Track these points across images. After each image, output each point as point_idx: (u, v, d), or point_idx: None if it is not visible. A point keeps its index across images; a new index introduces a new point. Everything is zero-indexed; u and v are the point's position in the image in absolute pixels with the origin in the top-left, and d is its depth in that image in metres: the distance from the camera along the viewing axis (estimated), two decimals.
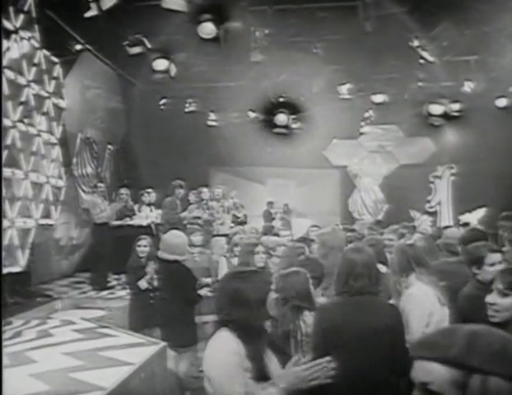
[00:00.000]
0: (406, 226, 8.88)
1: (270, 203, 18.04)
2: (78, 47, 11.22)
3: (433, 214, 18.66)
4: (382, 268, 5.12)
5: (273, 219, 17.53)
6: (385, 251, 6.18)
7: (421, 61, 11.58)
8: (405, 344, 3.53)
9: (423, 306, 4.02)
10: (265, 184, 19.50)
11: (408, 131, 18.05)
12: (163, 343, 6.12)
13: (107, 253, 10.39)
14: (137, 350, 6.01)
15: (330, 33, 11.68)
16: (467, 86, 14.11)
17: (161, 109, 15.19)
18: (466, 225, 13.24)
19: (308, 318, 3.87)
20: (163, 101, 15.21)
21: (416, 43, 11.22)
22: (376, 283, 3.71)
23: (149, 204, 11.66)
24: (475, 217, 16.19)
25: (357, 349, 3.43)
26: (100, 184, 11.63)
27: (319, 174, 19.08)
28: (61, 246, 11.47)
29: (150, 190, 11.90)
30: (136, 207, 11.61)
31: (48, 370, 5.30)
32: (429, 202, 18.90)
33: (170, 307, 6.07)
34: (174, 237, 6.35)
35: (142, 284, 7.03)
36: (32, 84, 9.88)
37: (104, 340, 6.52)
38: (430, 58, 11.37)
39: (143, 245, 7.42)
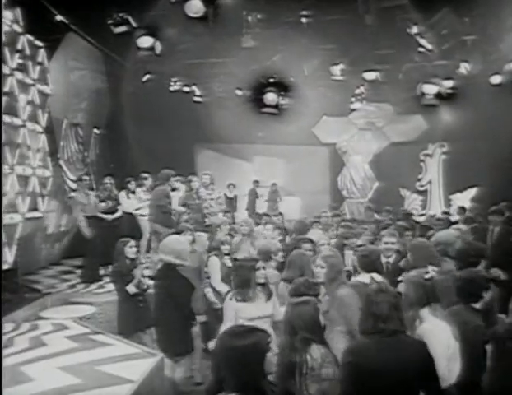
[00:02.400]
0: (405, 228, 8.89)
1: (256, 182, 18.16)
2: (62, 27, 10.96)
3: (423, 193, 18.98)
4: (378, 277, 5.30)
5: (257, 198, 17.80)
6: (383, 256, 6.17)
7: (420, 49, 11.40)
8: (438, 379, 3.63)
9: (442, 342, 4.02)
10: (252, 162, 19.58)
11: (400, 109, 18.04)
12: (160, 354, 6.09)
13: (96, 244, 10.38)
14: (134, 364, 6.02)
15: (324, 14, 11.62)
16: (463, 68, 14.08)
17: (146, 88, 14.93)
18: (462, 209, 13.45)
19: (315, 352, 3.87)
20: (146, 77, 15.04)
21: (414, 29, 11.06)
22: (403, 321, 3.74)
23: (133, 192, 11.70)
24: (466, 197, 17.35)
25: (395, 392, 3.51)
26: (85, 177, 11.40)
27: (308, 152, 19.02)
28: (48, 234, 11.42)
29: (146, 175, 11.91)
30: (124, 193, 11.52)
31: (46, 391, 5.30)
32: (419, 180, 19.04)
33: (165, 312, 5.98)
34: (177, 243, 6.26)
35: (131, 289, 6.97)
36: (16, 72, 9.72)
37: (99, 351, 6.50)
38: (429, 46, 11.24)
39: (133, 246, 7.35)
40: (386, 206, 14.33)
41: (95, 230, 10.28)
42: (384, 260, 6.30)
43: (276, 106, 16.02)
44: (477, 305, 4.45)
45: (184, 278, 6.06)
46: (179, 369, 6.06)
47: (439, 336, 4.02)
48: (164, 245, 6.22)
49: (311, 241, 7.21)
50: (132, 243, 7.35)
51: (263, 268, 5.64)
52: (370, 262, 5.59)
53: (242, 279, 5.49)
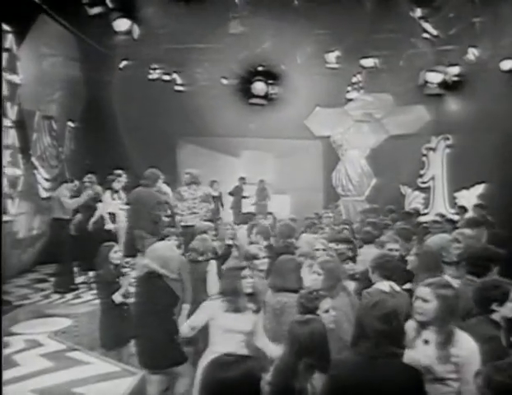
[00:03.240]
0: (412, 232, 8.83)
1: (242, 179, 18.36)
2: (33, 9, 10.96)
3: (426, 190, 18.87)
4: (396, 286, 5.45)
5: (243, 197, 17.95)
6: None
7: (424, 34, 11.46)
8: None
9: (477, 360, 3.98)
10: (239, 157, 19.73)
11: (401, 99, 17.99)
12: (140, 373, 6.20)
13: (71, 249, 10.44)
14: (113, 384, 6.13)
15: None
16: (471, 53, 14.04)
17: (124, 76, 15.06)
18: (463, 209, 13.57)
19: (317, 382, 3.82)
20: (123, 64, 15.24)
21: (417, 12, 11.07)
22: (399, 342, 3.77)
23: (116, 191, 11.71)
24: (473, 194, 16.94)
25: None
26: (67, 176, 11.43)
27: (300, 146, 19.10)
28: (19, 239, 11.35)
29: (120, 172, 11.90)
30: (109, 194, 11.57)
31: None
32: (421, 176, 18.98)
33: (147, 323, 6.04)
34: (167, 250, 6.34)
35: (117, 298, 7.03)
36: None
37: (76, 370, 6.60)
38: (434, 31, 11.30)
39: (118, 251, 7.43)
40: (387, 204, 14.40)
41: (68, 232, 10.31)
42: None
43: (265, 96, 16.18)
44: (496, 316, 4.45)
45: (169, 287, 6.13)
46: (155, 385, 6.14)
47: (476, 352, 3.99)
48: (152, 251, 6.26)
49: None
50: (117, 247, 7.44)
51: (251, 277, 5.59)
52: (392, 269, 5.70)
53: (229, 288, 5.48)
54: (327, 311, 4.67)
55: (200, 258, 7.50)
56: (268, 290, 5.93)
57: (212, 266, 7.49)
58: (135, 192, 10.19)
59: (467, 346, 3.96)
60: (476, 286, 4.67)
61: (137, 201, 9.92)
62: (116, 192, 11.71)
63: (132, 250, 9.60)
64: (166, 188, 10.73)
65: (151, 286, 6.06)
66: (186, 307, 7.00)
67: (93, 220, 11.08)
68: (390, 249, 6.98)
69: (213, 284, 7.11)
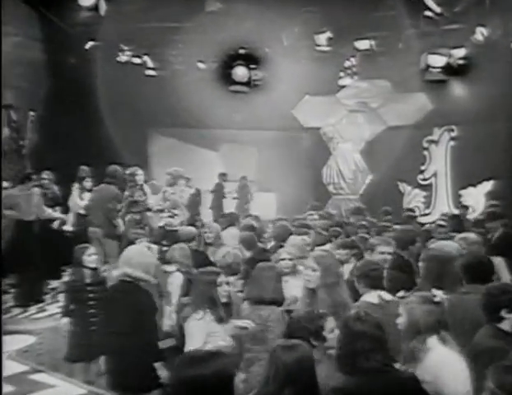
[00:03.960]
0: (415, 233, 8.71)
1: (222, 175, 18.10)
2: None
3: (427, 188, 18.87)
4: (387, 296, 5.52)
5: (224, 197, 17.88)
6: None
7: (427, 12, 11.25)
8: None
9: (456, 375, 4.12)
10: (218, 151, 19.57)
11: (400, 85, 17.96)
12: None
13: (34, 256, 10.44)
14: None
15: None
16: (479, 33, 14.03)
17: (90, 58, 15.07)
18: (465, 208, 13.22)
19: None
20: (90, 45, 15.11)
21: None
22: (390, 356, 3.87)
23: (89, 190, 11.76)
24: (481, 192, 16.98)
25: None
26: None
27: (287, 139, 19.11)
28: None
29: (85, 168, 12.04)
30: (77, 193, 11.65)
31: None
32: (422, 172, 18.93)
33: (122, 337, 5.90)
34: (142, 255, 6.38)
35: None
36: None
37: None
38: (437, 9, 11.10)
39: (93, 254, 7.42)
40: (384, 205, 14.38)
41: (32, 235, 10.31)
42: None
43: (247, 83, 16.36)
44: (505, 325, 4.54)
45: (149, 296, 6.15)
46: None
47: (453, 368, 4.11)
48: (128, 258, 6.27)
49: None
50: (92, 250, 7.46)
51: (227, 284, 5.64)
52: (379, 278, 5.69)
53: (204, 295, 5.53)
54: (332, 331, 4.57)
55: (169, 269, 7.51)
56: (244, 303, 6.01)
57: (176, 278, 7.41)
58: (95, 191, 10.52)
59: (436, 365, 4.09)
60: (483, 292, 4.75)
61: (94, 199, 10.27)
62: (87, 190, 11.85)
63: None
64: (147, 189, 11.17)
65: (127, 296, 6.04)
66: (170, 309, 7.11)
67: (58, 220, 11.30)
68: (382, 253, 6.99)
69: (174, 297, 7.16)
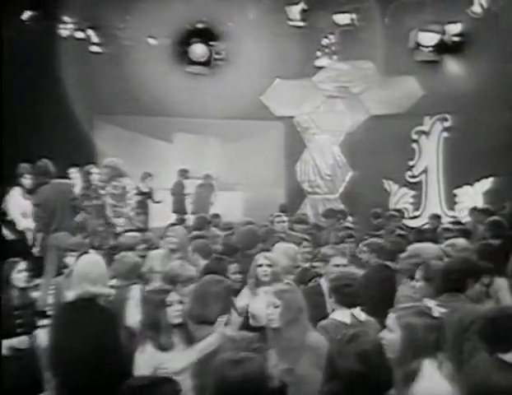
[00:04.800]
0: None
1: (183, 172, 18.00)
2: None
3: (416, 186, 18.74)
4: (361, 315, 5.72)
5: (185, 195, 17.81)
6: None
7: None
8: None
9: None
10: (173, 142, 19.48)
11: (385, 67, 17.84)
12: None
13: None
14: None
15: None
16: (478, 5, 14.18)
17: (28, 32, 14.88)
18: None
19: None
20: (28, 15, 15.04)
21: None
22: (379, 386, 3.79)
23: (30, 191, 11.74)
24: (478, 192, 17.00)
25: None
26: None
27: (255, 129, 19.10)
28: None
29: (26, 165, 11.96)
30: (18, 192, 11.72)
31: None
32: (411, 169, 18.77)
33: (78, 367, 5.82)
34: (100, 266, 6.40)
35: (22, 342, 6.82)
36: None
37: None
38: None
39: (24, 270, 7.26)
40: (367, 205, 14.87)
41: None
42: None
43: (206, 63, 16.54)
44: (508, 357, 4.36)
45: (112, 314, 6.24)
46: None
47: None
48: (85, 273, 6.24)
49: None
50: (23, 265, 7.27)
51: (181, 302, 5.59)
52: (352, 294, 5.78)
53: (149, 319, 5.53)
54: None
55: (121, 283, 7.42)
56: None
57: (134, 291, 7.30)
58: (43, 191, 10.45)
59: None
60: (481, 316, 4.71)
61: (48, 200, 10.23)
62: (29, 190, 11.76)
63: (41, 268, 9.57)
64: (75, 178, 11.50)
65: (83, 317, 6.03)
66: None
67: None
68: (337, 265, 7.06)
69: (132, 316, 6.93)
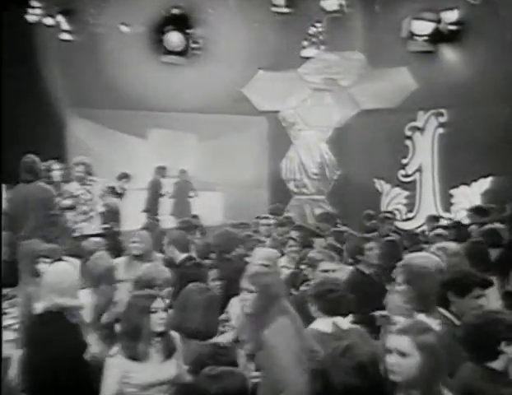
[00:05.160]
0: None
1: (161, 169, 17.80)
2: None
3: (410, 186, 18.64)
4: (344, 323, 5.70)
5: (161, 195, 17.66)
6: None
7: None
8: None
9: None
10: (148, 138, 19.35)
11: (377, 58, 17.76)
12: None
13: None
14: None
15: None
16: None
17: None
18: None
19: None
20: None
21: None
22: None
23: None
24: (476, 192, 16.91)
25: None
26: None
27: (236, 124, 19.00)
28: None
29: None
30: None
31: None
32: (404, 167, 18.63)
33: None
34: (71, 276, 6.33)
35: None
36: None
37: None
38: None
39: None
40: (356, 207, 15.21)
41: None
42: None
43: (183, 52, 16.47)
44: (496, 364, 4.42)
45: (78, 332, 6.08)
46: None
47: None
48: (55, 282, 6.17)
49: None
50: None
51: (166, 310, 5.53)
52: (335, 300, 5.78)
53: (129, 326, 5.42)
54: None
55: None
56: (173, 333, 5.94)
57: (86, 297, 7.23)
58: (16, 191, 10.41)
59: None
60: (468, 323, 4.72)
61: (24, 201, 10.09)
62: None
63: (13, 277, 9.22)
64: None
65: (50, 332, 5.95)
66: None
67: None
68: (325, 271, 7.06)
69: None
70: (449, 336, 5.02)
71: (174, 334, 5.75)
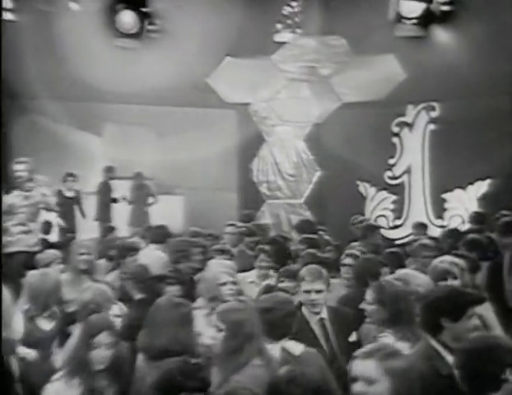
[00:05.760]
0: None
1: (109, 169, 17.84)
2: None
3: (397, 189, 18.52)
4: (297, 348, 5.76)
5: (114, 200, 17.68)
6: None
7: None
8: None
9: None
10: (101, 135, 19.05)
11: (360, 44, 17.56)
12: None
13: None
14: None
15: None
16: None
17: None
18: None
19: None
20: None
21: None
22: None
23: None
24: (472, 197, 16.84)
25: None
26: None
27: (200, 118, 18.85)
28: None
29: None
30: None
31: None
32: (391, 168, 18.52)
33: None
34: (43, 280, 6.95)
35: None
36: None
37: None
38: None
39: None
40: (336, 212, 15.80)
41: None
42: (314, 319, 6.70)
43: (137, 35, 16.23)
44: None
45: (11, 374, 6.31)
46: None
47: None
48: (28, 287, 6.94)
49: None
50: None
51: (110, 347, 5.59)
52: (287, 322, 5.82)
53: (74, 360, 5.55)
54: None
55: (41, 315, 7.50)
56: (139, 357, 5.97)
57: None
58: None
59: None
60: (466, 349, 4.64)
61: None
62: None
63: None
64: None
65: None
66: None
67: None
68: (308, 291, 6.88)
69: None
70: (432, 371, 4.87)
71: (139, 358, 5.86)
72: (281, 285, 7.68)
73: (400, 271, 7.28)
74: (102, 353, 5.46)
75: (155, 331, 5.84)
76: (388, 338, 5.63)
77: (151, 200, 17.90)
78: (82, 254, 8.88)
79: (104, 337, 5.50)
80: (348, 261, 8.98)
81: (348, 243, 11.24)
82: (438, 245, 10.60)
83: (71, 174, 15.92)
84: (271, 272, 8.98)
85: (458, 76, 15.37)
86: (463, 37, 15.33)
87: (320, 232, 12.79)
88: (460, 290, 5.85)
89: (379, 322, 6.08)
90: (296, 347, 5.68)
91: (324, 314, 6.82)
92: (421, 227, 14.16)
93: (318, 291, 6.88)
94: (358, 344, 6.30)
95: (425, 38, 15.90)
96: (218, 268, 7.88)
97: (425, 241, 10.69)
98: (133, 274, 8.34)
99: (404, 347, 5.18)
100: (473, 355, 4.47)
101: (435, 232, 14.53)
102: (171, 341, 5.69)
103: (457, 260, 7.36)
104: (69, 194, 15.87)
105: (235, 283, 7.24)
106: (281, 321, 5.75)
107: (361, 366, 4.25)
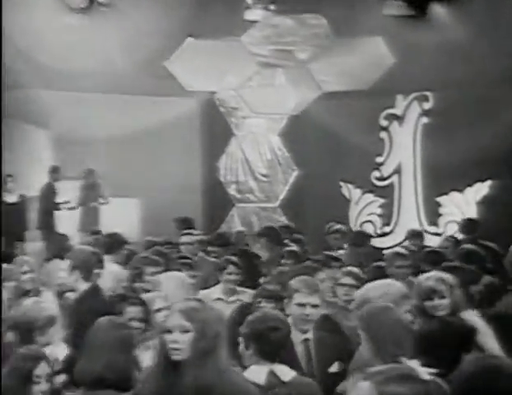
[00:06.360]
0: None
1: (54, 170, 17.24)
2: None
3: (386, 191, 18.43)
4: (286, 372, 5.62)
5: (56, 205, 17.07)
6: None
7: None
8: None
9: None
10: (47, 128, 18.34)
11: (343, 25, 17.56)
12: None
13: None
14: None
15: None
16: None
17: None
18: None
19: None
20: None
21: None
22: None
23: None
24: (471, 200, 16.95)
25: None
26: None
27: (156, 108, 18.33)
28: None
29: None
30: None
31: None
32: (378, 167, 18.39)
33: None
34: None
35: None
36: None
37: None
38: None
39: None
40: (316, 217, 15.74)
41: None
42: (298, 337, 6.65)
43: (86, 10, 16.39)
44: None
45: None
46: None
47: None
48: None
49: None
50: None
51: (50, 379, 5.58)
52: (278, 343, 5.69)
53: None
54: None
55: None
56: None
57: None
58: None
59: None
60: (464, 372, 4.09)
61: None
62: None
63: None
64: None
65: None
66: None
67: None
68: (301, 304, 6.89)
69: None
70: None
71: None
72: (259, 306, 7.43)
73: (368, 286, 6.87)
74: (41, 388, 5.26)
75: (91, 356, 5.57)
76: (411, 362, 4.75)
77: (101, 201, 17.40)
78: (25, 271, 8.82)
79: (44, 368, 5.33)
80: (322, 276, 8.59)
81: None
82: (412, 255, 10.32)
83: (8, 175, 15.74)
84: (237, 288, 9.09)
85: (454, 63, 15.54)
86: (459, 16, 15.41)
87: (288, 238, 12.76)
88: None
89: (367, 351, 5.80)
90: (287, 372, 5.45)
91: (310, 335, 6.76)
92: (417, 236, 13.67)
93: (315, 306, 6.84)
94: (341, 375, 6.20)
95: (417, 17, 15.88)
96: (168, 284, 7.73)
97: (399, 249, 10.71)
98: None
99: (425, 371, 4.23)
100: (472, 380, 4.01)
101: (429, 240, 14.40)
102: (106, 369, 5.39)
103: (445, 276, 6.99)
104: (9, 200, 15.79)
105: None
106: (280, 342, 5.56)
107: (360, 388, 3.69)
